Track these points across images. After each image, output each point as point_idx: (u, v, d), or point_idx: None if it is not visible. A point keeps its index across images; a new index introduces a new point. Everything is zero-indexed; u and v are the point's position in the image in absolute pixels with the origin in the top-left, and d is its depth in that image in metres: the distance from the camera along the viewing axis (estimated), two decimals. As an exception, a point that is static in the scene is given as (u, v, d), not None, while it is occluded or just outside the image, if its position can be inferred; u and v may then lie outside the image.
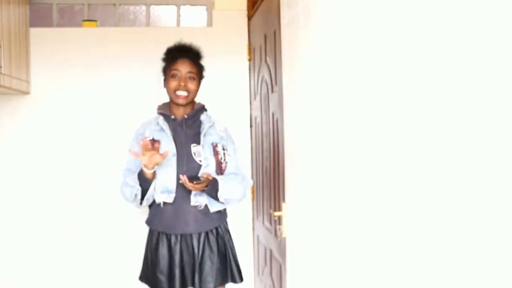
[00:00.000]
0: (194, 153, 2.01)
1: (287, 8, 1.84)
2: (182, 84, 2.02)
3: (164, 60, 2.12)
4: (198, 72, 2.09)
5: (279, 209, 2.10)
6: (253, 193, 3.01)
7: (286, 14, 1.85)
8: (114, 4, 3.09)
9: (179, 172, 1.98)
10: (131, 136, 2.18)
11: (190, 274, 2.04)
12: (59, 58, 2.92)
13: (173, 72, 2.04)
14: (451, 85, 0.75)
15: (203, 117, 2.11)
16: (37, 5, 3.01)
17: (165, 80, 2.09)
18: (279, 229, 2.02)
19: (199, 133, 2.05)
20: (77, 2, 3.06)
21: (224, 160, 2.07)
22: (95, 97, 2.95)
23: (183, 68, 2.04)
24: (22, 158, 2.90)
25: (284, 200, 1.99)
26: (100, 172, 2.94)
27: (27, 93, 2.86)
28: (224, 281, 2.09)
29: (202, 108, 2.13)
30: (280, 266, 2.17)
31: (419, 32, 0.84)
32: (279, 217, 2.05)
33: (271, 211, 2.22)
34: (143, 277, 2.16)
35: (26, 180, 2.90)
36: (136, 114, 2.92)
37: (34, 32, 2.89)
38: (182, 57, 2.07)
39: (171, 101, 2.08)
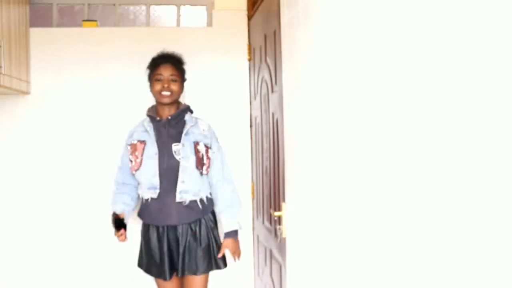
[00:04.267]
0: (175, 152, 2.18)
1: (287, 8, 1.84)
2: (166, 85, 2.21)
3: (149, 67, 2.32)
4: (180, 75, 2.28)
5: (279, 209, 2.10)
6: (253, 193, 3.01)
7: (286, 14, 1.85)
8: (114, 4, 3.09)
9: (160, 169, 2.18)
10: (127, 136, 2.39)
11: (177, 260, 2.24)
12: (59, 58, 2.92)
13: (157, 76, 2.24)
14: (452, 85, 0.75)
15: (187, 117, 2.27)
16: (37, 5, 3.01)
17: (151, 85, 2.29)
18: (279, 229, 2.02)
19: (181, 133, 2.22)
20: (77, 2, 3.06)
21: (207, 157, 2.24)
22: (95, 97, 2.95)
23: (166, 72, 2.23)
24: (22, 158, 2.90)
25: (284, 200, 1.99)
26: (100, 172, 2.94)
27: (27, 93, 2.86)
28: (208, 268, 2.26)
29: (187, 109, 2.30)
30: (280, 266, 2.17)
31: (419, 31, 0.84)
32: (279, 217, 2.05)
33: (271, 211, 2.23)
34: (140, 264, 2.37)
35: (26, 180, 2.90)
36: (136, 114, 2.91)
37: (34, 32, 2.89)
38: (164, 62, 2.26)
39: (157, 102, 2.28)
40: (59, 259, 2.93)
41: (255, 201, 2.95)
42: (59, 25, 3.05)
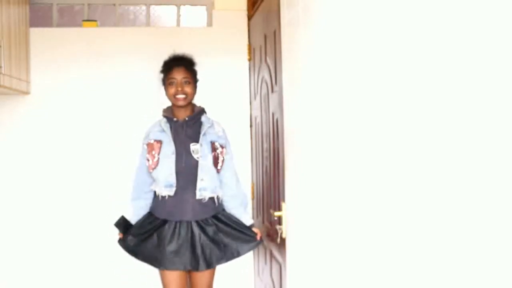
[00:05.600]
0: (193, 151, 2.28)
1: (287, 8, 1.84)
2: (179, 88, 2.29)
3: (162, 72, 2.39)
4: (192, 77, 2.36)
5: (279, 209, 2.10)
6: (253, 192, 3.01)
7: (286, 14, 1.85)
8: (114, 4, 3.09)
9: (178, 167, 2.26)
10: (134, 136, 2.45)
11: (191, 256, 2.26)
12: (59, 58, 2.92)
13: (170, 80, 2.32)
14: (451, 84, 0.75)
15: (203, 118, 2.37)
16: (37, 5, 3.01)
17: (165, 89, 2.36)
18: (279, 229, 2.02)
19: (199, 133, 2.31)
20: (77, 2, 3.06)
21: (222, 156, 2.34)
22: (95, 97, 2.95)
23: (178, 75, 2.31)
24: (22, 158, 2.90)
25: (284, 200, 1.99)
26: (100, 172, 2.94)
27: (27, 93, 2.86)
28: (254, 244, 2.34)
29: (202, 111, 2.40)
30: (280, 266, 2.17)
31: (419, 31, 0.84)
32: (279, 217, 2.05)
33: (271, 211, 2.23)
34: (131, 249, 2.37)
35: (26, 180, 2.90)
36: (136, 113, 2.92)
37: (34, 32, 2.89)
38: (177, 65, 2.33)
39: (173, 105, 2.36)
40: (59, 259, 2.93)
41: (255, 201, 2.95)
42: (59, 25, 3.05)
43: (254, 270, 3.03)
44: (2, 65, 2.41)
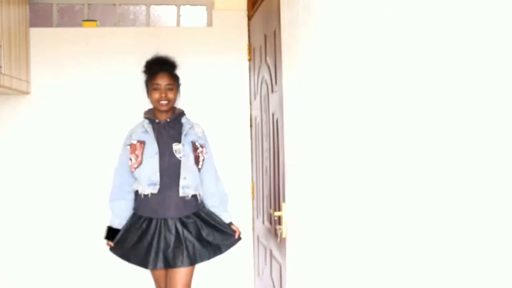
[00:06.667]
0: (175, 151, 2.37)
1: (287, 8, 1.84)
2: (163, 95, 2.38)
3: (145, 73, 2.46)
4: (175, 82, 2.45)
5: (279, 209, 2.10)
6: (253, 192, 3.01)
7: (286, 14, 1.85)
8: (114, 4, 3.09)
9: (161, 166, 2.33)
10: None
11: (171, 253, 2.30)
12: (59, 58, 2.91)
13: (154, 86, 2.39)
14: (454, 82, 0.75)
15: (183, 120, 2.47)
16: (37, 5, 3.01)
17: (148, 92, 2.44)
18: (279, 229, 2.02)
19: (180, 134, 2.41)
20: (77, 2, 3.06)
21: (202, 155, 2.44)
22: (95, 97, 2.95)
23: (162, 81, 2.39)
24: (22, 158, 2.90)
25: (284, 200, 1.99)
26: (100, 171, 2.94)
27: (27, 93, 2.86)
28: (234, 242, 2.43)
29: (182, 113, 2.49)
30: (280, 266, 2.17)
31: (418, 31, 0.84)
32: (279, 217, 2.05)
33: (271, 211, 2.23)
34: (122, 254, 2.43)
35: (26, 180, 2.90)
36: (136, 113, 2.91)
37: (34, 32, 2.89)
38: (161, 71, 2.40)
39: (155, 108, 2.44)
40: (59, 258, 2.93)
41: (255, 201, 2.95)
42: (59, 25, 3.05)
43: (254, 270, 3.03)
44: (2, 65, 2.41)
